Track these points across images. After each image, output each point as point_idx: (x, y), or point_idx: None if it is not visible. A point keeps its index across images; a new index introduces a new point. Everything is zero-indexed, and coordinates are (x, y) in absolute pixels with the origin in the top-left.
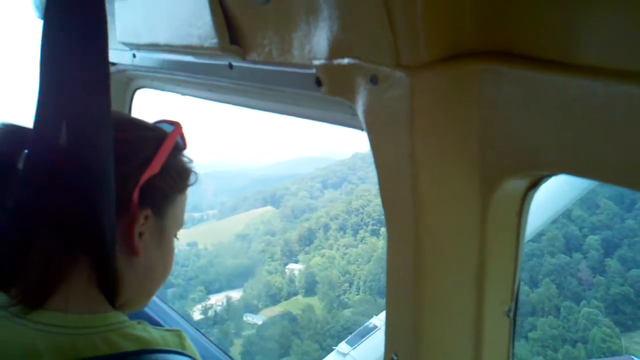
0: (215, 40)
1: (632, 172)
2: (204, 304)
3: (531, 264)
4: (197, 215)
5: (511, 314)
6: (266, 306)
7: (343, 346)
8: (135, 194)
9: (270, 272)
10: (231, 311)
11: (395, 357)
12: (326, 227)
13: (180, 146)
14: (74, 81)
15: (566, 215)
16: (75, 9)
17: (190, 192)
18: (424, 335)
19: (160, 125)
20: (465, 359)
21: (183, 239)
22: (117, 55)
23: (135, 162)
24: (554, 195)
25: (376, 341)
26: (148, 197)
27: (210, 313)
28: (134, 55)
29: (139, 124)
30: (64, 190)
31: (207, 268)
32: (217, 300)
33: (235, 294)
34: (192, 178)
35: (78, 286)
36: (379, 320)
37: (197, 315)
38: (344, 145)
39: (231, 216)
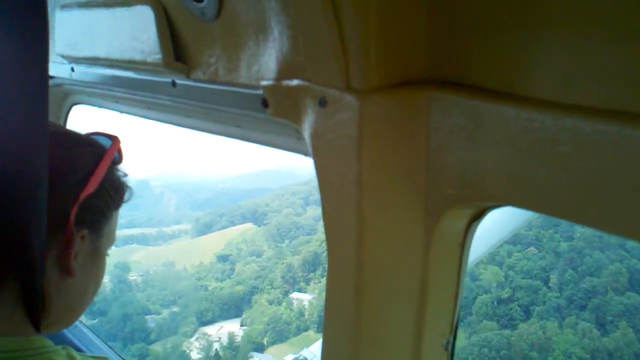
0: (159, 56)
1: (579, 206)
2: (199, 339)
3: (596, 302)
4: (168, 230)
5: (449, 347)
6: (273, 343)
7: None
8: (73, 214)
9: (271, 302)
10: (233, 349)
11: None
12: None
13: (117, 160)
14: (10, 91)
15: (622, 246)
16: (16, 16)
17: (152, 205)
18: None
19: (96, 137)
20: None
21: (157, 258)
22: (54, 68)
23: (73, 179)
24: (496, 224)
25: None
26: (85, 217)
27: (211, 351)
28: (73, 69)
29: (77, 138)
30: None
31: (190, 293)
32: (213, 334)
33: (232, 326)
34: (127, 194)
35: (4, 308)
36: (310, 352)
37: (195, 355)
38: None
39: (208, 234)
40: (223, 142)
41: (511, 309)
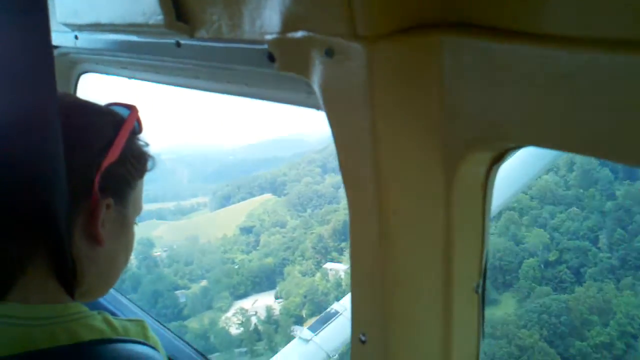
0: (160, 17)
1: (599, 141)
2: (236, 314)
3: None
4: (186, 204)
5: (479, 290)
6: (312, 315)
7: (305, 332)
8: (96, 183)
9: (304, 274)
10: (272, 323)
11: (363, 337)
12: None
13: (136, 130)
14: (15, 64)
15: None
16: None
17: (165, 180)
18: (392, 313)
19: (114, 108)
20: (435, 335)
21: (179, 232)
22: (58, 37)
23: (94, 149)
24: (520, 167)
25: (338, 326)
26: (109, 185)
27: (250, 326)
28: (76, 37)
29: (95, 109)
30: (12, 181)
31: (218, 266)
32: (249, 308)
33: (267, 300)
34: (150, 163)
35: (37, 277)
36: (340, 305)
37: (235, 330)
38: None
39: (227, 206)
40: (228, 113)
41: (560, 271)
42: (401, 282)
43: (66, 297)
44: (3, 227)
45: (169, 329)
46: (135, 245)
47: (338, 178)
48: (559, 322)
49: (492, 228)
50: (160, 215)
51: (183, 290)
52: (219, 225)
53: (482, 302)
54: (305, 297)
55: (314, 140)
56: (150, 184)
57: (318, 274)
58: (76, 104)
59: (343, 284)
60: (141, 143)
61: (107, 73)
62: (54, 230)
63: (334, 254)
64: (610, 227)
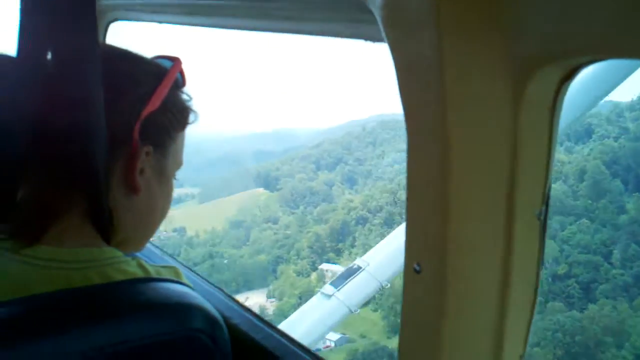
0: None
1: None
2: None
3: None
4: (174, 194)
5: (542, 217)
6: None
7: (327, 288)
8: (137, 129)
9: (299, 273)
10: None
11: (417, 267)
12: (363, 220)
13: (179, 83)
14: (56, 8)
15: None
16: None
17: None
18: (449, 240)
19: (158, 61)
20: (495, 264)
21: (166, 222)
22: None
23: (135, 95)
24: (586, 86)
25: (361, 282)
26: (149, 133)
27: None
28: None
29: (139, 57)
30: (49, 125)
31: (206, 260)
32: None
33: (259, 298)
34: (192, 116)
35: (73, 221)
36: (363, 261)
37: None
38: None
39: (217, 199)
40: (223, 101)
41: (568, 285)
42: (461, 207)
43: (102, 243)
44: (39, 170)
45: (204, 278)
46: None
47: (331, 175)
48: (574, 342)
49: None
50: None
51: None
52: (209, 218)
53: (544, 230)
54: (300, 298)
55: (305, 135)
56: None
57: (314, 275)
58: (117, 52)
59: None
60: (184, 96)
61: (137, 19)
62: (91, 175)
63: (331, 255)
64: (623, 241)
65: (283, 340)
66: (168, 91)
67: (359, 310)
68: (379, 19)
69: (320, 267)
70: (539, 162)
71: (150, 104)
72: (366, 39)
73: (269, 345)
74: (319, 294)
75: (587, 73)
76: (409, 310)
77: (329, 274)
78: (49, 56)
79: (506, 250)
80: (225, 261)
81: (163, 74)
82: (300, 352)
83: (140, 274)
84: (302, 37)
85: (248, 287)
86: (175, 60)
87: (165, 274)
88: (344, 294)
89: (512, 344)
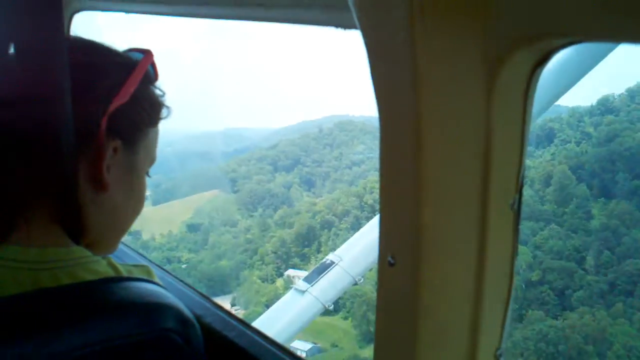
0: None
1: None
2: None
3: None
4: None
5: (515, 207)
6: None
7: (301, 284)
8: (103, 123)
9: (263, 279)
10: None
11: (391, 260)
12: (329, 224)
13: (151, 77)
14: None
15: None
16: None
17: None
18: (423, 232)
19: (129, 54)
20: (470, 255)
21: None
22: None
23: (102, 88)
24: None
25: (334, 277)
26: (118, 128)
27: None
28: None
29: (106, 49)
30: (16, 119)
31: (163, 265)
32: None
33: (223, 304)
34: (164, 111)
35: (39, 221)
36: (336, 256)
37: None
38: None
39: (170, 200)
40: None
41: (542, 292)
42: (434, 197)
43: (71, 243)
44: (4, 168)
45: (177, 277)
46: None
47: (289, 177)
48: (557, 352)
49: None
50: None
51: None
52: (163, 220)
53: (517, 219)
54: (267, 306)
55: (255, 135)
56: None
57: (280, 281)
58: (82, 43)
59: None
60: (156, 91)
61: (103, 9)
62: (59, 172)
63: (296, 260)
64: (596, 247)
65: (256, 337)
66: (139, 84)
67: (332, 306)
68: (350, 2)
69: (286, 273)
70: (512, 149)
71: (119, 97)
72: (337, 25)
73: (243, 343)
74: (292, 290)
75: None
76: (383, 303)
77: (297, 281)
78: (11, 49)
79: (481, 241)
80: (184, 266)
81: (133, 67)
82: (273, 349)
83: (111, 273)
84: (270, 26)
85: (210, 293)
86: (146, 53)
87: (137, 273)
88: (318, 290)
89: (488, 337)
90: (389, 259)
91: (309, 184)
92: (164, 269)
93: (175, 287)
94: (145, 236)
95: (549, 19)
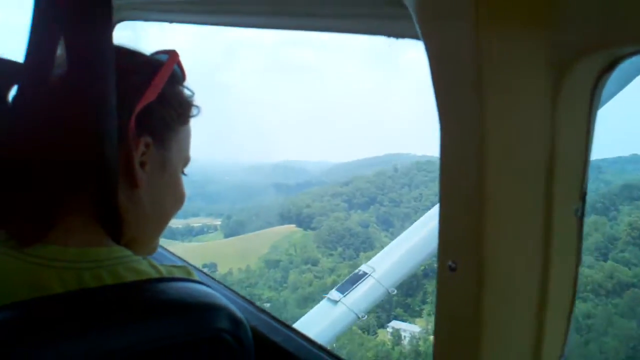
0: None
1: None
2: None
3: None
4: (195, 225)
5: (579, 214)
6: None
7: (333, 294)
8: (133, 120)
9: (363, 329)
10: None
11: (452, 265)
12: (433, 272)
13: (178, 77)
14: (71, 7)
15: None
16: None
17: None
18: (486, 238)
19: (156, 56)
20: (533, 261)
21: (193, 257)
22: None
23: (131, 87)
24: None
25: (367, 288)
26: (147, 125)
27: None
28: None
29: (133, 51)
30: (62, 121)
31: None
32: None
33: None
34: (194, 110)
35: (78, 220)
36: (368, 267)
37: None
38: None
39: (243, 233)
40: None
41: None
42: (497, 203)
43: (109, 241)
44: (46, 167)
45: (217, 280)
46: None
47: (365, 216)
48: None
49: None
50: (170, 234)
51: None
52: (238, 254)
53: (581, 228)
54: None
55: (314, 169)
56: None
57: (383, 332)
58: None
59: (422, 351)
60: (185, 91)
61: (147, 19)
62: (103, 174)
63: (398, 310)
64: None
65: (303, 342)
66: (165, 84)
67: (365, 317)
68: (412, 10)
69: (390, 324)
70: (577, 157)
71: (147, 95)
72: (392, 35)
73: (290, 347)
74: (325, 299)
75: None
76: (443, 308)
77: (406, 335)
78: (61, 56)
79: (545, 247)
80: (268, 305)
81: (159, 66)
82: (321, 353)
83: (152, 273)
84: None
85: None
86: (171, 54)
87: (177, 274)
88: (350, 300)
89: (551, 345)
90: (450, 263)
91: (386, 223)
92: (202, 271)
93: (218, 289)
94: (221, 269)
95: (616, 28)
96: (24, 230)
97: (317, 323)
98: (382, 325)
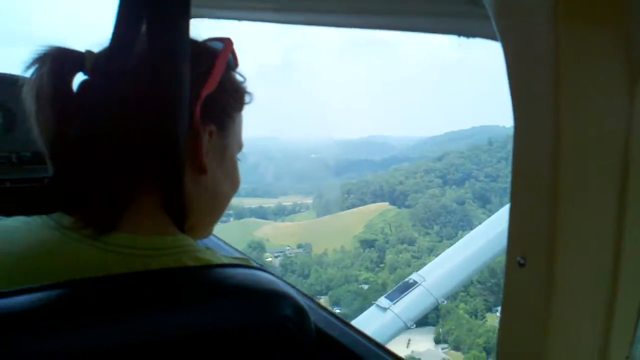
0: None
1: None
2: None
3: None
4: (287, 203)
5: None
6: None
7: (383, 301)
8: (198, 109)
9: (470, 314)
10: None
11: (521, 260)
12: None
13: (232, 64)
14: (154, 4)
15: None
16: None
17: (250, 175)
18: (557, 234)
19: (209, 43)
20: (604, 258)
21: (285, 236)
22: None
23: (194, 76)
24: None
25: (416, 296)
26: (210, 113)
27: None
28: None
29: (194, 40)
30: (136, 111)
31: (340, 284)
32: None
33: (423, 342)
34: (247, 97)
35: (146, 208)
36: (419, 276)
37: None
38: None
39: (335, 212)
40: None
41: None
42: (570, 198)
43: (176, 230)
44: (116, 156)
45: (274, 273)
46: (245, 247)
47: (460, 192)
48: None
49: None
50: (261, 214)
51: None
52: (332, 234)
53: None
54: (486, 350)
55: (399, 144)
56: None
57: (492, 318)
58: None
59: None
60: (239, 77)
61: (214, 17)
62: (173, 163)
63: None
64: None
65: (359, 337)
66: (223, 72)
67: (414, 325)
68: (489, 8)
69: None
70: None
71: (209, 84)
72: (464, 34)
73: (346, 341)
74: (374, 306)
75: None
76: (510, 304)
77: None
78: (142, 49)
79: (616, 244)
80: (366, 287)
81: (216, 55)
82: (377, 349)
83: (216, 262)
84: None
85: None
86: (225, 42)
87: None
88: (399, 308)
89: (619, 344)
90: (519, 259)
91: (483, 200)
92: (260, 265)
93: None
94: (316, 250)
95: None
96: (96, 218)
97: (364, 329)
98: (490, 309)
